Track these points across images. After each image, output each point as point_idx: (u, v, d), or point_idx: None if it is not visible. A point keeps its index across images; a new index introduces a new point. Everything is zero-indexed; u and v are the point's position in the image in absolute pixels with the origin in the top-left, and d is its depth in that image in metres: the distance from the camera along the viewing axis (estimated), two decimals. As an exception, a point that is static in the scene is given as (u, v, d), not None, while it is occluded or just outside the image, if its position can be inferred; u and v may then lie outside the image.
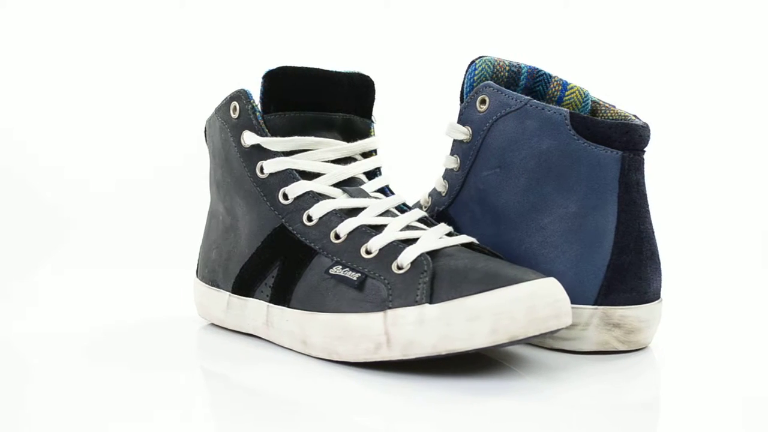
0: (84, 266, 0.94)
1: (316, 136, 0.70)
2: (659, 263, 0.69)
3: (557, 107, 0.68)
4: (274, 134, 0.69)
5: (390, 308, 0.63)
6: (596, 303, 0.67)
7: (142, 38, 1.11)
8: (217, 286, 0.74)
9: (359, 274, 0.65)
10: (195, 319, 0.78)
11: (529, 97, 0.69)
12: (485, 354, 0.68)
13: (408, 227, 0.68)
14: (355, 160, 0.72)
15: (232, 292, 0.72)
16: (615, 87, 1.03)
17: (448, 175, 0.74)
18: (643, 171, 0.69)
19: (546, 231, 0.68)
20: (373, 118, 0.74)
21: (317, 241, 0.67)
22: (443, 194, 0.74)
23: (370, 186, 0.71)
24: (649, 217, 0.69)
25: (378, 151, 0.74)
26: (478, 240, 0.71)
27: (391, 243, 0.65)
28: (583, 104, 0.74)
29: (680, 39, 1.26)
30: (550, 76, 0.74)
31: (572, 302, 0.67)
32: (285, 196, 0.69)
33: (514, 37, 1.19)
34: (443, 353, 0.61)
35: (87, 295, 0.87)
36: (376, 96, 0.75)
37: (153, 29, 1.11)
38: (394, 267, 0.64)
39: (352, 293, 0.65)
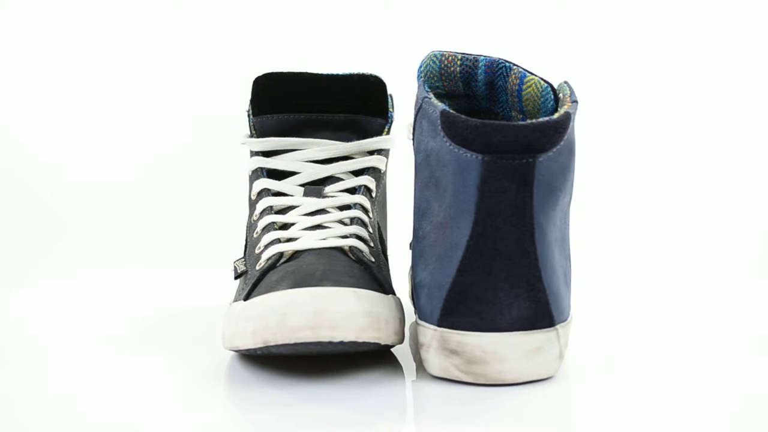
0: (107, 266, 0.95)
1: (309, 136, 0.73)
2: (531, 289, 0.58)
3: (438, 105, 0.61)
4: (261, 135, 0.74)
5: (234, 302, 0.65)
6: (438, 324, 0.59)
7: (149, 37, 1.09)
8: None
9: (243, 268, 0.67)
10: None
11: (426, 94, 0.63)
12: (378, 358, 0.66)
13: (318, 227, 0.67)
14: (353, 158, 0.73)
15: None
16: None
17: None
18: (524, 178, 0.58)
19: (424, 240, 0.62)
20: (390, 117, 0.74)
21: (251, 235, 0.71)
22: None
23: (340, 185, 0.71)
24: (521, 233, 0.58)
25: (384, 151, 0.74)
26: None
27: (275, 240, 0.66)
28: (542, 99, 0.64)
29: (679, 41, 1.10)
30: (510, 67, 0.66)
31: (423, 320, 0.61)
32: (252, 193, 0.73)
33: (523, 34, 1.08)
34: (233, 350, 0.62)
35: (114, 293, 0.88)
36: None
37: (163, 27, 1.09)
38: (258, 264, 0.65)
39: (238, 285, 0.68)
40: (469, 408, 0.58)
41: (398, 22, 1.06)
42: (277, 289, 0.60)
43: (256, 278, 0.63)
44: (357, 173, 0.72)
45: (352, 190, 0.71)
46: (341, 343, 0.58)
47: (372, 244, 0.67)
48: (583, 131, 1.00)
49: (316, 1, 1.06)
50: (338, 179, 0.71)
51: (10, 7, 1.05)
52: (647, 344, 0.71)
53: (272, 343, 0.59)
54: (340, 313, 0.58)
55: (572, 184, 0.63)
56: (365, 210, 0.69)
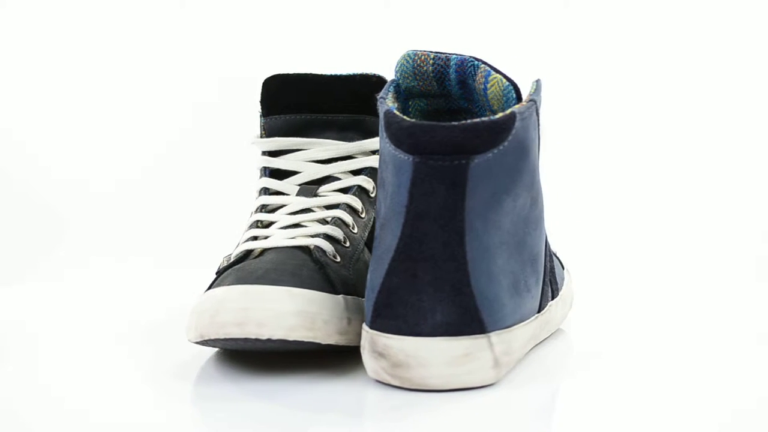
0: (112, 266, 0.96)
1: (315, 136, 0.74)
2: (458, 293, 0.56)
3: (385, 106, 0.60)
4: (269, 135, 0.75)
5: None
6: (370, 326, 0.59)
7: (155, 39, 1.07)
8: None
9: (225, 264, 0.69)
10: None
11: (384, 94, 0.62)
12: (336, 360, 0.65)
13: (295, 225, 0.68)
14: (354, 158, 0.73)
15: None
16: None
17: None
18: (454, 180, 0.56)
19: (375, 241, 0.62)
20: None
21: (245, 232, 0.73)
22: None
23: (334, 185, 0.71)
24: (448, 236, 0.56)
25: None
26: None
27: (251, 237, 0.68)
28: (505, 97, 0.62)
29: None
30: (477, 66, 0.64)
31: (364, 322, 0.61)
32: (255, 192, 0.75)
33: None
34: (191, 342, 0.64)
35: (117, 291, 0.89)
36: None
37: (171, 30, 1.07)
38: (230, 260, 0.67)
39: None
40: (404, 411, 0.57)
41: (404, 23, 1.04)
42: (221, 286, 0.62)
43: (219, 272, 0.65)
44: (356, 173, 0.72)
45: (345, 190, 0.71)
46: (269, 340, 0.59)
47: (347, 244, 0.67)
48: (585, 131, 0.97)
49: (326, 3, 1.06)
50: (335, 179, 0.72)
51: (10, 7, 1.06)
52: (635, 346, 0.70)
53: (207, 338, 0.60)
54: (268, 311, 0.59)
55: (530, 185, 0.61)
56: (353, 210, 0.69)
